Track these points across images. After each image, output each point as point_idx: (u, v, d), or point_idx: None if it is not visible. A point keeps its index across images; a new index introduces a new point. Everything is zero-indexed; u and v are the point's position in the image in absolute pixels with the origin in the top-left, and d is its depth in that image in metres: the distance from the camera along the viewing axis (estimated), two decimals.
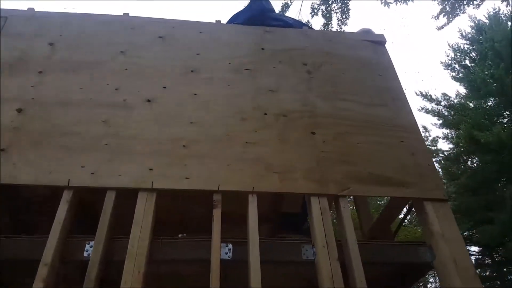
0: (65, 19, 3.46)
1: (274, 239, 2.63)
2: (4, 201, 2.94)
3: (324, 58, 3.44)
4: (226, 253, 2.39)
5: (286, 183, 2.64)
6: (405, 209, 3.18)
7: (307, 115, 3.01)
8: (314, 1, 11.27)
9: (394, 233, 3.37)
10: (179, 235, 2.77)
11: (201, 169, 2.63)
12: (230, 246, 2.42)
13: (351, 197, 3.82)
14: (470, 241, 17.25)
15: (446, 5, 10.22)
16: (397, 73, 3.43)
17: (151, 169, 2.56)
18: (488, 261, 18.08)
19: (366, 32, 3.93)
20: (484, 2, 10.24)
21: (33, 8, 3.56)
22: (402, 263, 2.60)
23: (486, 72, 14.94)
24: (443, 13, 10.37)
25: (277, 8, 11.69)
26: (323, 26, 11.08)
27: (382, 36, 3.77)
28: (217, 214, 2.47)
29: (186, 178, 2.57)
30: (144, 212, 2.39)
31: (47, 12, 3.55)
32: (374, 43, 3.67)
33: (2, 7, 3.47)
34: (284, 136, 2.87)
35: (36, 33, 3.31)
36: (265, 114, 2.98)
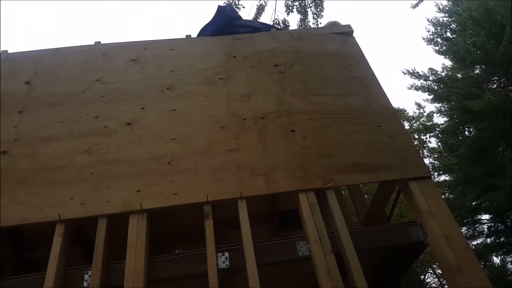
0: (38, 57, 3.50)
1: (268, 240, 2.66)
2: (6, 241, 3.01)
3: (294, 56, 3.50)
4: (224, 262, 2.42)
5: (272, 184, 2.68)
6: None
7: (284, 115, 3.06)
8: None
9: (388, 216, 3.42)
10: (176, 251, 2.81)
11: (188, 183, 2.67)
12: (226, 254, 2.45)
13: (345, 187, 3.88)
14: (480, 209, 17.28)
15: None
16: (368, 60, 3.49)
17: (138, 191, 2.61)
18: (501, 227, 18.09)
19: (333, 25, 3.98)
20: None
21: (6, 50, 3.61)
22: (396, 245, 2.64)
23: (468, 42, 14.96)
24: None
25: (252, 11, 11.76)
26: (300, 22, 11.14)
27: (349, 26, 3.82)
28: (209, 225, 2.51)
29: (175, 194, 2.62)
30: (137, 234, 2.44)
31: (20, 52, 3.60)
32: (342, 34, 3.73)
33: None
34: (265, 138, 2.92)
35: (11, 74, 3.36)
36: (244, 119, 3.03)
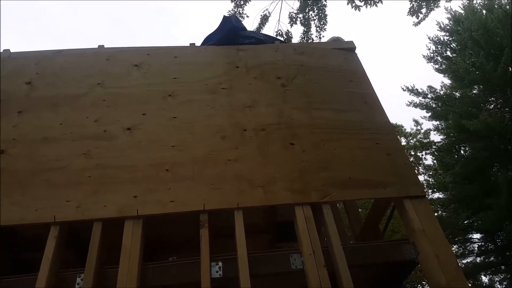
0: (40, 58, 3.50)
1: (262, 252, 2.67)
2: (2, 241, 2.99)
3: (297, 70, 3.53)
4: (217, 271, 2.42)
5: (270, 196, 2.69)
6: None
7: (285, 127, 3.08)
8: (292, 11, 11.40)
9: (382, 232, 3.43)
10: (170, 259, 2.81)
11: (186, 191, 2.67)
12: (220, 264, 2.46)
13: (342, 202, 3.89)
14: (471, 228, 17.34)
15: (419, 1, 10.37)
16: (369, 77, 3.53)
17: (135, 197, 2.61)
18: (491, 246, 18.14)
19: (336, 40, 4.02)
20: None
21: (8, 50, 3.62)
22: (389, 262, 2.65)
23: (468, 61, 15.11)
24: (417, 9, 10.52)
25: (256, 20, 11.83)
26: (303, 34, 11.19)
27: (351, 43, 3.87)
28: (204, 234, 2.51)
29: (171, 201, 2.62)
30: (131, 240, 2.43)
31: (22, 52, 3.61)
32: (344, 50, 3.77)
33: None
34: (264, 149, 2.93)
35: (13, 74, 3.35)
36: (244, 130, 3.04)
